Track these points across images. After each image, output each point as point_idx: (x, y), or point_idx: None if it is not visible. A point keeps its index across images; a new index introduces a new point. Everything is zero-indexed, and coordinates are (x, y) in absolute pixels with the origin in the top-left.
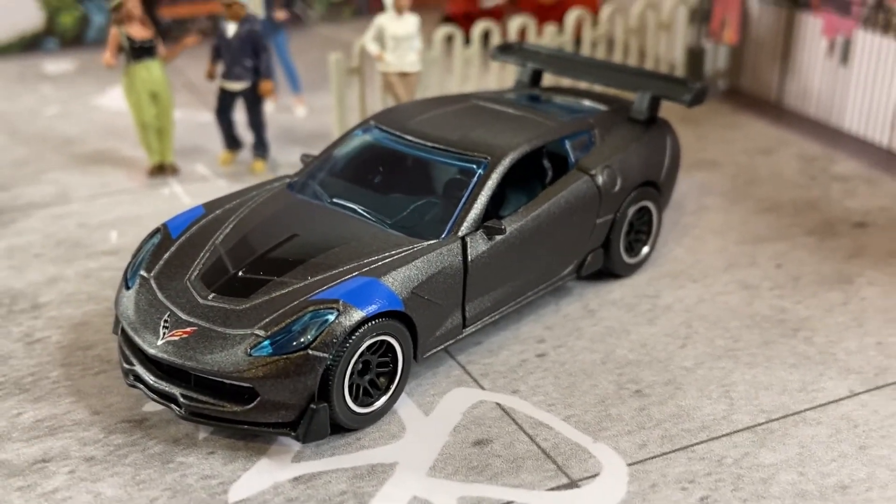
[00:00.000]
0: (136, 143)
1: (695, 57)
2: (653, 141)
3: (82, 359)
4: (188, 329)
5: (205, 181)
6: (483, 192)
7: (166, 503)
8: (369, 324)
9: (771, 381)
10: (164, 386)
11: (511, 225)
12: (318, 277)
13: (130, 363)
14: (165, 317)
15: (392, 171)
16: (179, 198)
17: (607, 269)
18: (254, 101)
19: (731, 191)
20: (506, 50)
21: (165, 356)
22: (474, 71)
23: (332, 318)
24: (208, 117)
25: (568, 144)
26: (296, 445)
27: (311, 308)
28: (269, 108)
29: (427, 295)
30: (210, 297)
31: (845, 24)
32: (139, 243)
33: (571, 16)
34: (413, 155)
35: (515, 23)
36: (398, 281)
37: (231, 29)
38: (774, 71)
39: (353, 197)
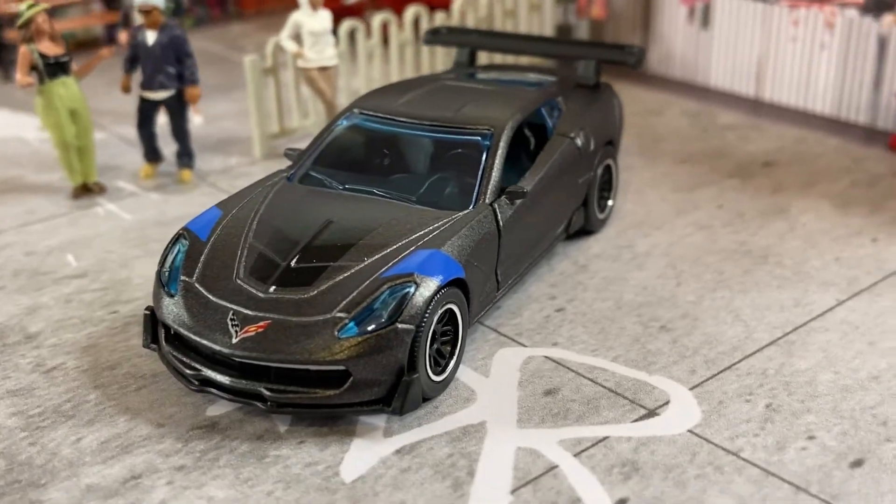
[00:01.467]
0: (40, 166)
1: (563, 32)
2: (605, 103)
3: (113, 378)
4: (261, 324)
5: (136, 196)
6: (497, 161)
7: (283, 494)
8: (441, 292)
9: (768, 302)
10: (244, 384)
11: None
12: (375, 257)
13: (194, 368)
14: (231, 315)
15: (394, 153)
16: (118, 215)
17: (584, 227)
18: (179, 110)
19: (644, 149)
20: (436, 34)
21: (246, 353)
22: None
23: (411, 290)
24: (100, 133)
25: (545, 112)
26: (381, 422)
27: (387, 284)
28: (196, 120)
29: (476, 261)
30: (271, 289)
31: None
32: (164, 251)
33: (409, 11)
34: (411, 135)
35: (377, 19)
36: (455, 250)
37: (151, 37)
38: (635, 40)
39: (364, 181)
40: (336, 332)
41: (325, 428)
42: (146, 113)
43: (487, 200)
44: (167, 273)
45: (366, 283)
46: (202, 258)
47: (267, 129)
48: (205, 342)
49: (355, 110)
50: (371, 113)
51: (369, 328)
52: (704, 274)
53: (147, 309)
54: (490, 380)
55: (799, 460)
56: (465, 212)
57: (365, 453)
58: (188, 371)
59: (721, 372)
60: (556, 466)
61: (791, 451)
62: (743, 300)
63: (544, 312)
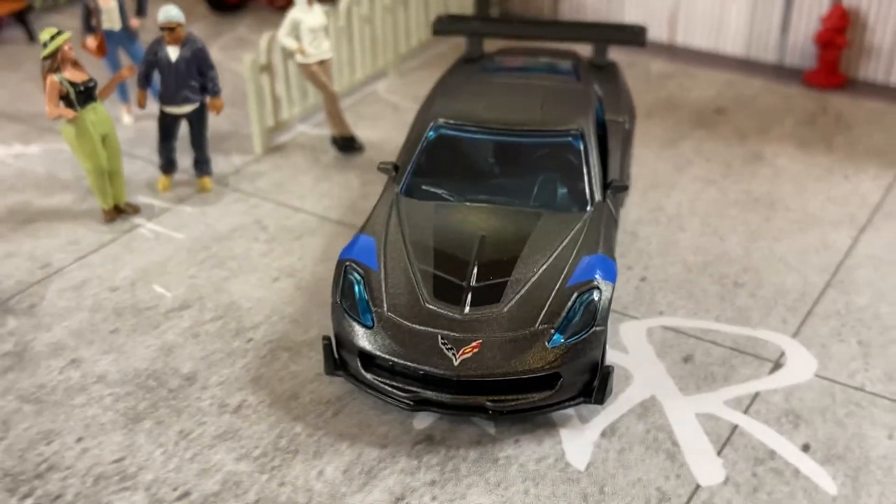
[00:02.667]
0: (39, 188)
1: None
2: (620, 81)
3: (304, 407)
4: (474, 344)
5: (171, 212)
6: (594, 159)
7: (538, 491)
8: (614, 289)
9: (801, 246)
10: (465, 399)
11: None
12: (543, 267)
13: (409, 390)
14: (441, 341)
15: (491, 159)
16: (168, 235)
17: None
18: (200, 120)
19: None
20: (444, 24)
21: (469, 372)
22: None
23: (596, 296)
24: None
25: (599, 103)
26: (571, 412)
27: (575, 293)
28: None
29: (615, 254)
30: (467, 310)
31: None
32: (338, 283)
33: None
34: (502, 141)
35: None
36: (608, 250)
37: (173, 53)
38: None
39: (478, 190)
40: (546, 343)
41: (528, 424)
42: (169, 127)
43: (600, 198)
44: (353, 305)
45: (554, 294)
46: (384, 288)
47: (266, 125)
48: (426, 368)
49: (439, 120)
50: (456, 122)
51: (573, 335)
52: (737, 227)
53: (325, 339)
54: (631, 356)
55: None
56: (590, 211)
57: (578, 442)
58: (402, 393)
59: (806, 318)
60: (737, 426)
61: None
62: (781, 247)
63: (632, 284)
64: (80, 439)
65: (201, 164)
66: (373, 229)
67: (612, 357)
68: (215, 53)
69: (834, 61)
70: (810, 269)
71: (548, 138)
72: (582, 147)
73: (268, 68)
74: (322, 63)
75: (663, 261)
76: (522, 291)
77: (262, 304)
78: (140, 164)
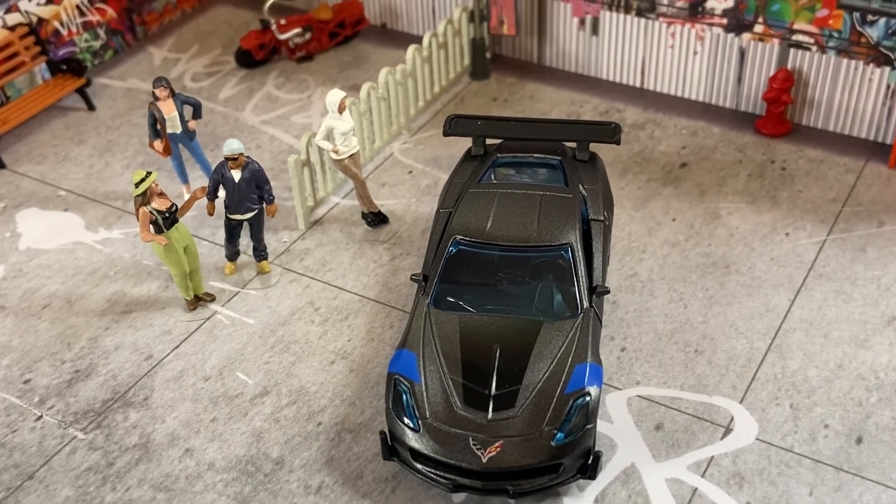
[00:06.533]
0: (128, 276)
1: (476, 45)
2: (600, 174)
3: (368, 486)
4: (497, 444)
5: (240, 297)
6: (582, 269)
7: None
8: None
9: (749, 311)
10: (492, 485)
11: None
12: (546, 375)
13: (449, 478)
14: (472, 442)
15: (498, 271)
16: (242, 321)
17: None
18: (259, 222)
19: None
20: (454, 127)
21: (497, 467)
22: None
23: (588, 399)
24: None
25: (584, 206)
26: (573, 485)
27: (571, 399)
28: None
29: (599, 352)
30: (489, 416)
31: (592, 8)
32: (389, 393)
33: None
34: (505, 255)
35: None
36: (594, 356)
37: (236, 175)
38: (533, 41)
39: (490, 300)
40: (551, 442)
41: (539, 495)
42: (234, 230)
43: (587, 304)
44: (402, 411)
45: (555, 401)
46: (426, 398)
47: (308, 213)
48: (462, 464)
49: (457, 237)
50: (469, 239)
51: (571, 433)
52: (697, 293)
53: (381, 433)
54: (615, 426)
55: (826, 445)
56: (580, 316)
57: None
58: (444, 480)
59: (751, 383)
60: (696, 488)
61: (819, 439)
62: (732, 313)
63: (614, 354)
64: None
65: (259, 251)
66: (412, 343)
67: (599, 427)
68: (251, 116)
69: (780, 114)
70: (755, 334)
71: (543, 252)
72: (571, 259)
73: (307, 163)
74: (352, 157)
75: (639, 330)
76: (531, 397)
77: (324, 387)
78: (206, 246)
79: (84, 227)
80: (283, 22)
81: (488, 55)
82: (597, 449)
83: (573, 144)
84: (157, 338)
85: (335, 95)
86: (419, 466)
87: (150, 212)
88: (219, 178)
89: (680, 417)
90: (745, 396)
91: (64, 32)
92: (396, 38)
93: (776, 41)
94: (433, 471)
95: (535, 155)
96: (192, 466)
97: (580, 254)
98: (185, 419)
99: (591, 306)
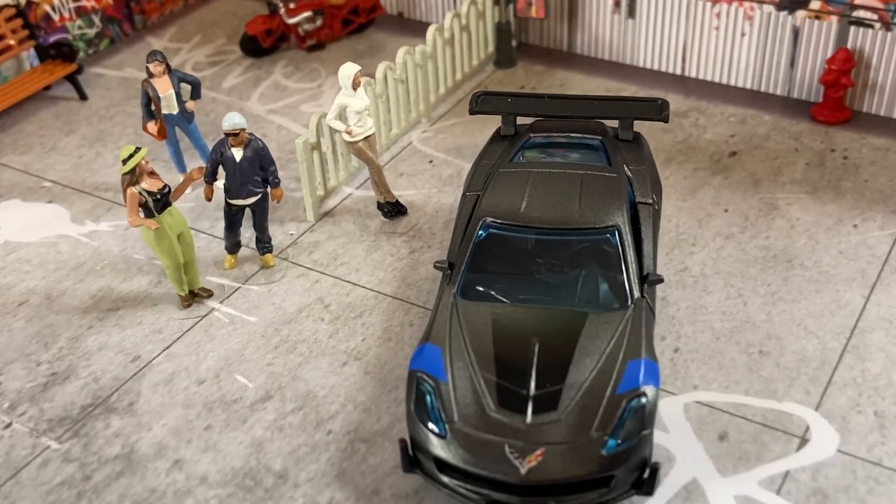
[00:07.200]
0: (117, 271)
1: (501, 30)
2: (646, 155)
3: (386, 503)
4: (538, 453)
5: (241, 293)
6: (631, 255)
7: None
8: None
9: (818, 308)
10: (534, 501)
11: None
12: (594, 373)
13: (481, 493)
14: (508, 450)
15: (534, 256)
16: (242, 319)
17: None
18: (262, 208)
19: None
20: (481, 104)
21: (538, 479)
22: None
23: (644, 401)
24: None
25: (630, 188)
26: (626, 502)
27: (623, 401)
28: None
29: (653, 348)
30: (528, 420)
31: None
32: (411, 393)
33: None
34: (543, 239)
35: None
36: (648, 351)
37: (237, 153)
38: (563, 28)
39: (526, 289)
40: (602, 451)
41: None
42: (235, 217)
43: (638, 294)
44: (426, 414)
45: (605, 402)
46: (453, 398)
47: (317, 199)
48: (496, 476)
49: (487, 219)
50: (501, 222)
51: (625, 440)
52: (757, 288)
53: (401, 441)
54: (671, 435)
55: None
56: (630, 308)
57: None
58: (475, 495)
59: (826, 388)
60: None
61: None
62: (799, 310)
63: (667, 355)
64: None
65: (263, 244)
66: (437, 337)
67: (654, 437)
68: (257, 105)
69: (839, 98)
70: (827, 334)
71: (587, 235)
72: (619, 242)
73: (317, 146)
74: (367, 139)
75: (693, 329)
76: (577, 398)
77: (335, 391)
78: (204, 239)
79: (69, 219)
80: (291, 6)
81: (514, 43)
82: (654, 460)
83: (615, 125)
84: (146, 337)
85: (349, 69)
86: (445, 479)
87: (140, 193)
88: (218, 157)
89: (747, 426)
90: (821, 403)
91: (55, 17)
92: (413, 28)
93: (834, 18)
94: (462, 484)
95: (573, 135)
96: (181, 480)
97: (629, 236)
98: (175, 427)
99: (642, 296)
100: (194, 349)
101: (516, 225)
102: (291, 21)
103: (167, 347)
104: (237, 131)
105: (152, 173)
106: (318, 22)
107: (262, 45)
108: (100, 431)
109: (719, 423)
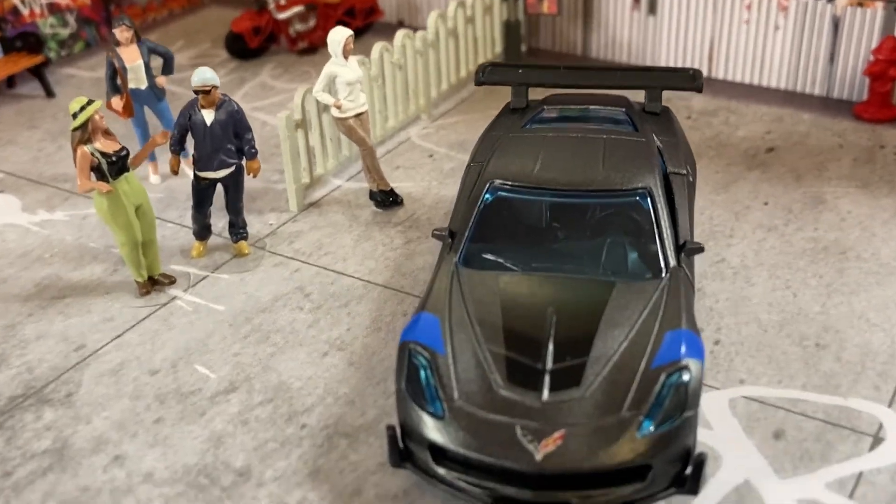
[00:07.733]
0: (67, 259)
1: (510, 28)
2: (676, 128)
3: (372, 500)
4: (556, 436)
5: (208, 281)
6: (665, 220)
7: None
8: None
9: (881, 300)
10: (550, 496)
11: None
12: (624, 345)
13: (486, 487)
14: (519, 433)
15: (552, 221)
16: (209, 307)
17: None
18: (236, 184)
19: None
20: (487, 74)
21: (556, 468)
22: None
23: (687, 377)
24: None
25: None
26: (662, 501)
27: (661, 375)
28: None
29: (695, 321)
30: (545, 397)
31: None
32: (402, 368)
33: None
34: (563, 202)
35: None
36: (691, 323)
37: (208, 116)
38: (577, 29)
39: (541, 257)
40: (636, 433)
41: None
42: (204, 193)
43: (674, 263)
44: (419, 392)
45: (639, 377)
46: (452, 373)
47: (300, 182)
48: (506, 464)
49: (495, 181)
50: (513, 183)
51: (663, 422)
52: (808, 280)
53: (389, 428)
54: (716, 432)
55: None
56: (666, 277)
57: None
58: (480, 489)
59: None
60: None
61: None
62: (860, 302)
63: (707, 347)
64: None
65: (237, 229)
66: (435, 306)
67: (699, 435)
68: (241, 103)
69: (886, 93)
70: (895, 327)
71: (613, 198)
72: (651, 207)
73: (302, 124)
74: (359, 116)
75: (736, 320)
76: (604, 373)
77: (312, 383)
78: (171, 228)
79: (20, 208)
80: (282, 2)
81: (523, 48)
82: (700, 452)
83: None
84: (94, 326)
85: (339, 33)
86: (443, 472)
87: (92, 154)
88: (186, 121)
89: (807, 423)
90: (895, 399)
91: (25, 12)
92: None
93: (880, 5)
94: (463, 476)
95: (593, 107)
96: (120, 478)
97: (662, 200)
98: (119, 420)
99: (679, 265)
100: (149, 338)
101: (528, 187)
102: (282, 16)
103: (118, 336)
104: (208, 88)
105: (108, 132)
106: (311, 23)
107: (248, 44)
108: (28, 424)
109: (773, 419)
